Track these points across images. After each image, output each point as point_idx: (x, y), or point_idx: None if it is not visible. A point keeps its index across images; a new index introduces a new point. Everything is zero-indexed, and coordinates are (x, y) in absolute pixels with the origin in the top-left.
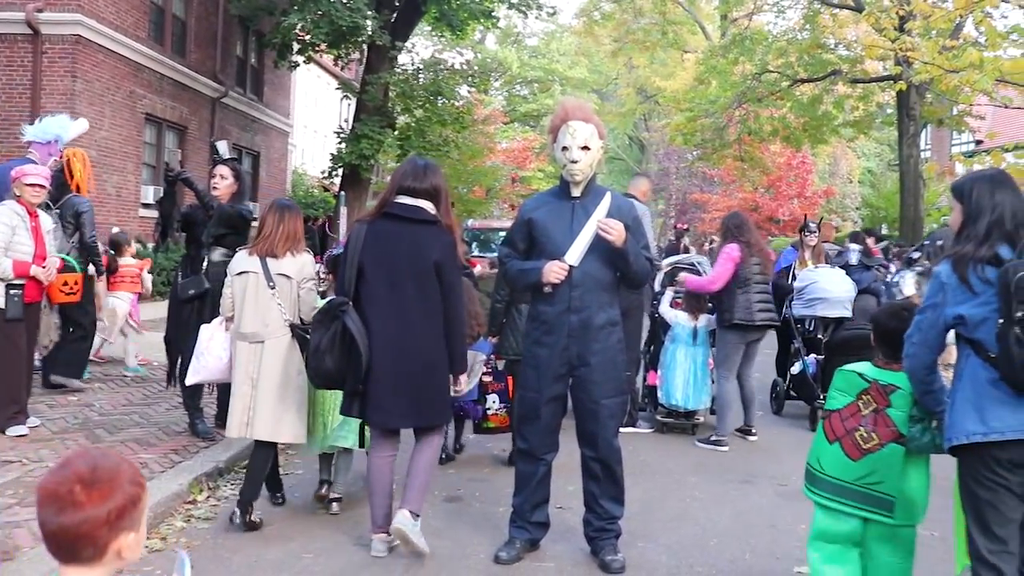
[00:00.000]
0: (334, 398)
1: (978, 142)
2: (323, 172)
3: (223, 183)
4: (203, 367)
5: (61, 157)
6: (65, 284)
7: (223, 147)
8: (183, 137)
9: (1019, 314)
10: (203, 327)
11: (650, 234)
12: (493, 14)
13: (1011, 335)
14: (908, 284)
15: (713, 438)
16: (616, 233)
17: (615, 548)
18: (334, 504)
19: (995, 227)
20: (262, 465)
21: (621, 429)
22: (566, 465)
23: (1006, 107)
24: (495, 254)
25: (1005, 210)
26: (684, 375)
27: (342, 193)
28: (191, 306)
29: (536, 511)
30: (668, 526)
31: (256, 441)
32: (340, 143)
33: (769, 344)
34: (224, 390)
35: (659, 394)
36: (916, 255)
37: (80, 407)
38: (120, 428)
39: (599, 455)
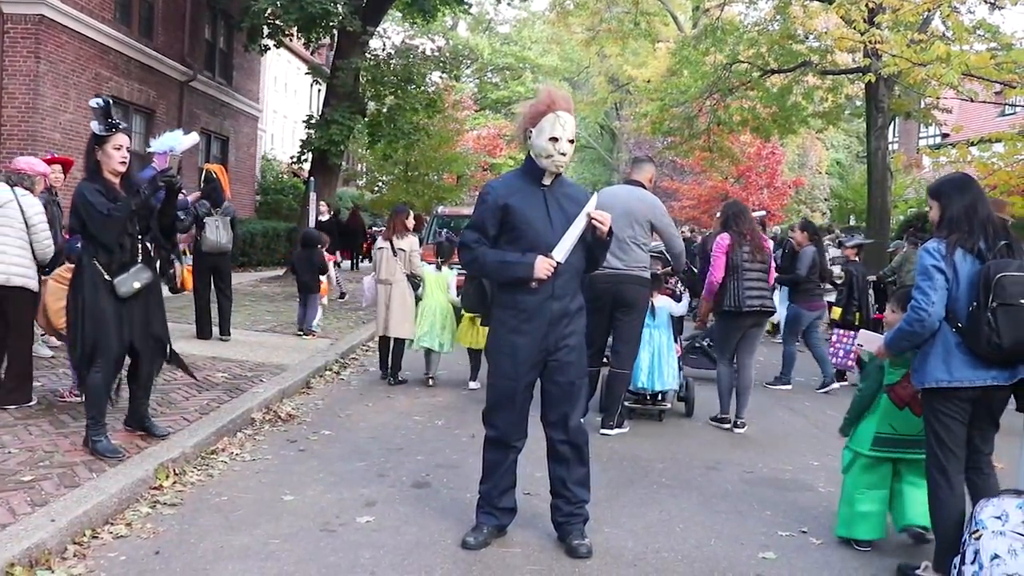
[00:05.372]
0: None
1: (944, 135)
2: (292, 158)
3: (128, 157)
4: (365, 297)
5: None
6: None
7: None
8: (151, 121)
9: (993, 304)
10: (366, 278)
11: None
12: (465, 0)
13: (983, 318)
14: None
15: (712, 417)
16: (608, 224)
17: (582, 533)
18: (431, 380)
19: (974, 219)
20: (401, 349)
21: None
22: (533, 452)
23: (972, 100)
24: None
25: (979, 208)
26: (648, 357)
27: (311, 179)
28: (131, 299)
29: (503, 497)
30: (635, 512)
31: (392, 339)
32: (309, 129)
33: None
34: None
35: None
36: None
37: (45, 392)
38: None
39: (569, 437)
